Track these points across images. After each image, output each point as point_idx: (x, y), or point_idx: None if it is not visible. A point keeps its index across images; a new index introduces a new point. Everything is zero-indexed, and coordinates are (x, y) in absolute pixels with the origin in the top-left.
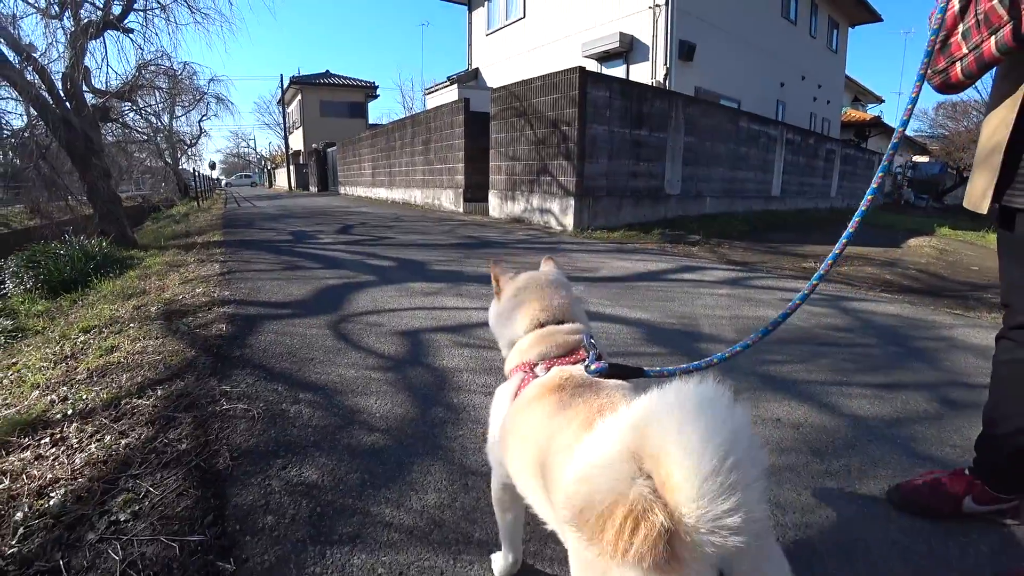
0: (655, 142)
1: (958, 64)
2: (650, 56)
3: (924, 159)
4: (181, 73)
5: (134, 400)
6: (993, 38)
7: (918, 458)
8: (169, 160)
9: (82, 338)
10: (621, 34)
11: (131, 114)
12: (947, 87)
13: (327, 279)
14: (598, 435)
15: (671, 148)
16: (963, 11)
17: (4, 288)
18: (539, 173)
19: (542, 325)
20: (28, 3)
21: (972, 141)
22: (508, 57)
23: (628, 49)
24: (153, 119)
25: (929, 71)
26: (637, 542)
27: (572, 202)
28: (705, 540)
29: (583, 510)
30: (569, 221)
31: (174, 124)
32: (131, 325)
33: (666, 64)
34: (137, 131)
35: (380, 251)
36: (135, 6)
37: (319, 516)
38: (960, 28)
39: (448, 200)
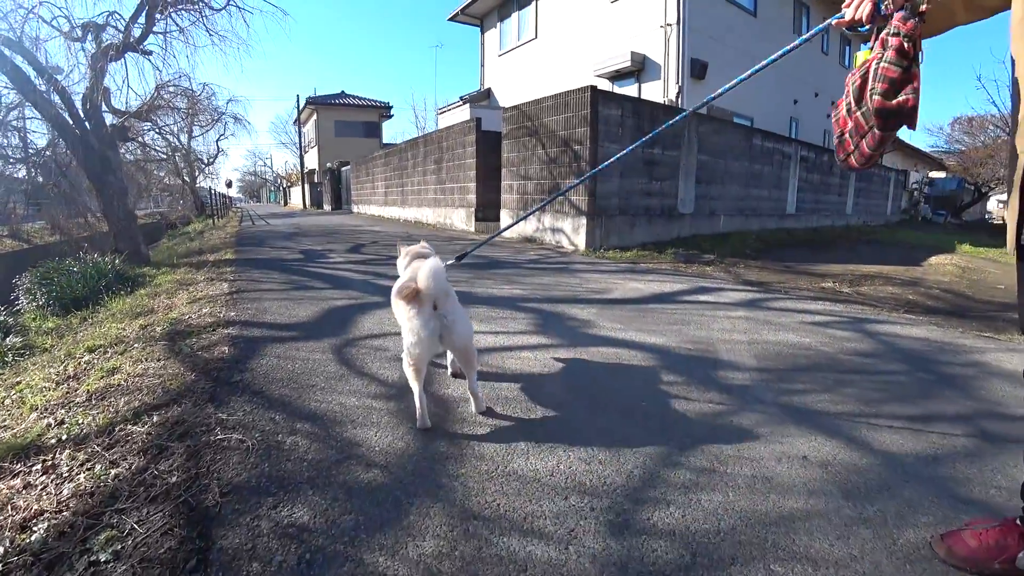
0: (668, 160)
1: (852, 156)
2: (662, 75)
3: (940, 175)
4: (200, 94)
5: (129, 426)
6: (863, 141)
7: (960, 502)
8: (187, 178)
9: (87, 358)
10: (633, 53)
11: (151, 133)
12: (851, 168)
13: (334, 300)
14: (406, 272)
15: (684, 166)
16: (849, 112)
17: (18, 304)
18: (551, 192)
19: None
20: (53, 27)
21: (989, 156)
22: (520, 77)
23: (640, 68)
24: (172, 138)
25: (838, 158)
26: (408, 293)
27: (584, 221)
28: (427, 292)
29: (398, 290)
30: (581, 241)
31: (192, 143)
32: (135, 345)
33: (678, 82)
34: (156, 150)
35: (389, 271)
36: (154, 29)
37: (307, 563)
38: (848, 127)
39: (460, 219)
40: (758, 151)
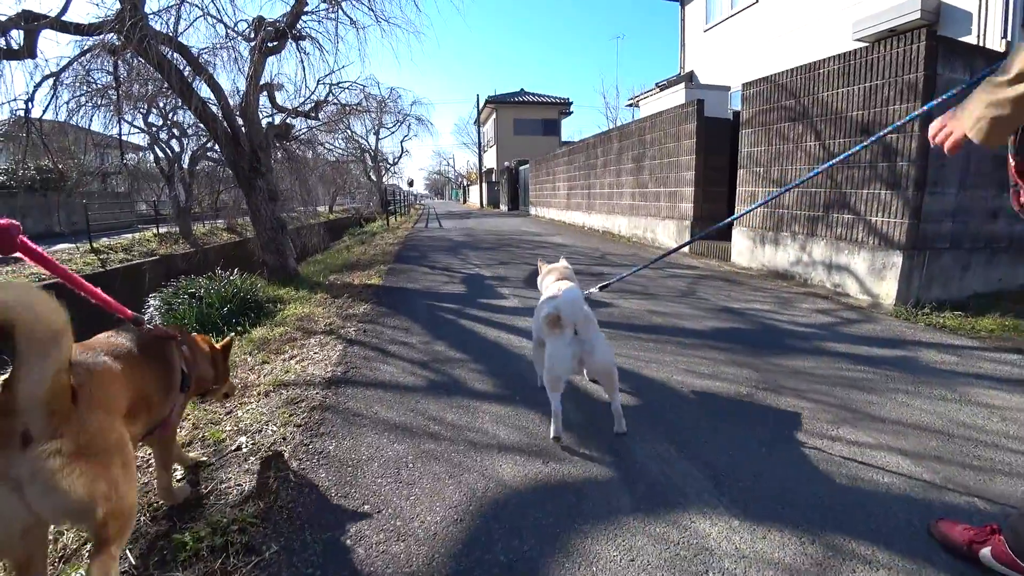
0: None
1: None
2: (973, 28)
3: None
4: (388, 97)
5: None
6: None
7: None
8: (373, 177)
9: None
10: (923, 0)
11: (348, 132)
12: None
13: (502, 456)
14: (550, 289)
15: None
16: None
17: None
18: (829, 207)
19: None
20: (235, 31)
21: None
22: (734, 54)
23: (933, 22)
24: (361, 139)
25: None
26: (552, 321)
27: (897, 259)
28: (567, 317)
29: (546, 320)
30: (887, 289)
31: (379, 145)
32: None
33: (1005, 36)
34: (351, 151)
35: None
36: (309, 8)
37: None
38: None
39: (667, 234)
40: None
